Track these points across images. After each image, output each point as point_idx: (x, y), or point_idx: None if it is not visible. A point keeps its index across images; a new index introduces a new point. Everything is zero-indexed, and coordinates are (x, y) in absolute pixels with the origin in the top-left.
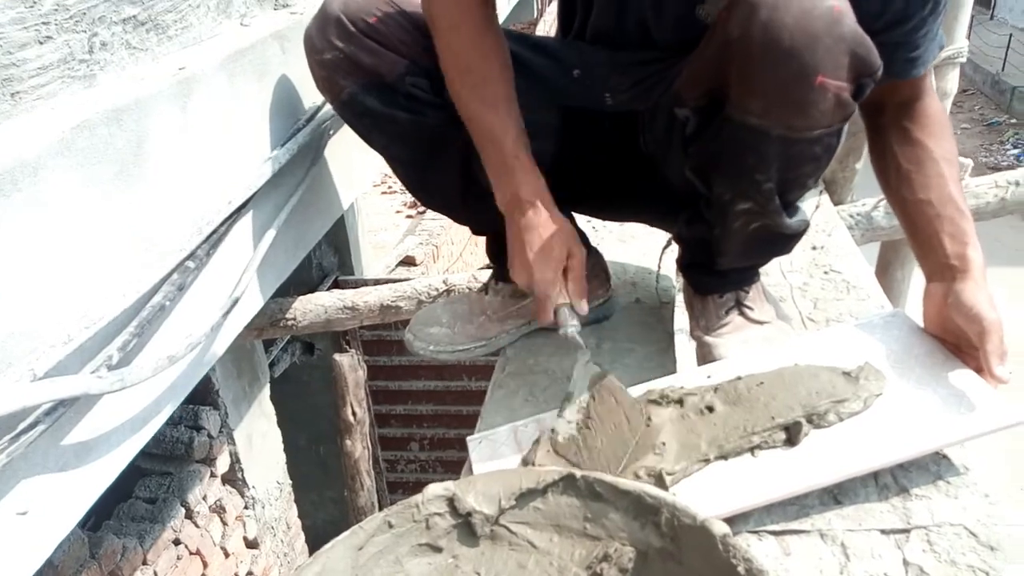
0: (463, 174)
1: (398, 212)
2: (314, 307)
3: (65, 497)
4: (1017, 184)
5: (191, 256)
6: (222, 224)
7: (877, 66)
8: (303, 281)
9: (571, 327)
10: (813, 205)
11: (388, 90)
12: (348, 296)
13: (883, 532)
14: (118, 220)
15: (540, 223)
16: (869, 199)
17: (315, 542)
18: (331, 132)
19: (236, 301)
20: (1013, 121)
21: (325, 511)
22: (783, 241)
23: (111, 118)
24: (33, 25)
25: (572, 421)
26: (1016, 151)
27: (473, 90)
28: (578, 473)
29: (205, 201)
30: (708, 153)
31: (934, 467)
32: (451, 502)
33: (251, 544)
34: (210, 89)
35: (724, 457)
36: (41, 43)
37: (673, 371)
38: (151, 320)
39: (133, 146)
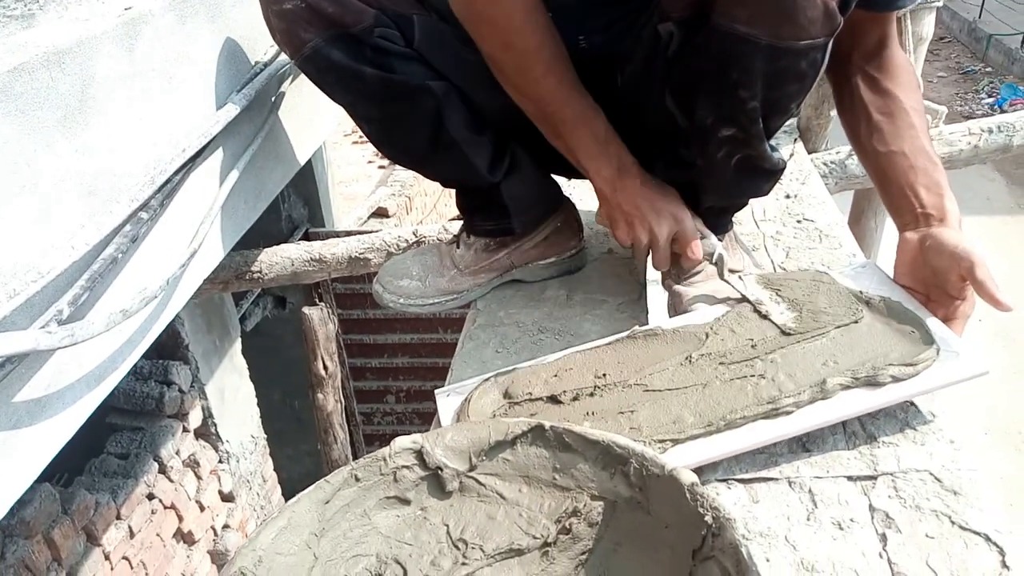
0: (433, 129)
1: (370, 162)
2: (280, 259)
3: (18, 456)
4: (990, 132)
5: (144, 207)
6: (176, 173)
7: None
8: (272, 234)
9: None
10: (788, 152)
11: (354, 42)
12: (315, 248)
13: (850, 479)
14: (64, 169)
15: (651, 190)
16: (843, 147)
17: (292, 495)
18: (291, 77)
19: (194, 253)
20: (988, 70)
21: (302, 465)
22: (764, 177)
23: (52, 61)
24: None
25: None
26: (990, 100)
27: (546, 72)
28: (547, 424)
29: (157, 149)
30: (691, 72)
31: (902, 415)
32: (419, 455)
33: (227, 498)
34: (159, 31)
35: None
36: None
37: (645, 322)
38: (103, 273)
39: (77, 91)
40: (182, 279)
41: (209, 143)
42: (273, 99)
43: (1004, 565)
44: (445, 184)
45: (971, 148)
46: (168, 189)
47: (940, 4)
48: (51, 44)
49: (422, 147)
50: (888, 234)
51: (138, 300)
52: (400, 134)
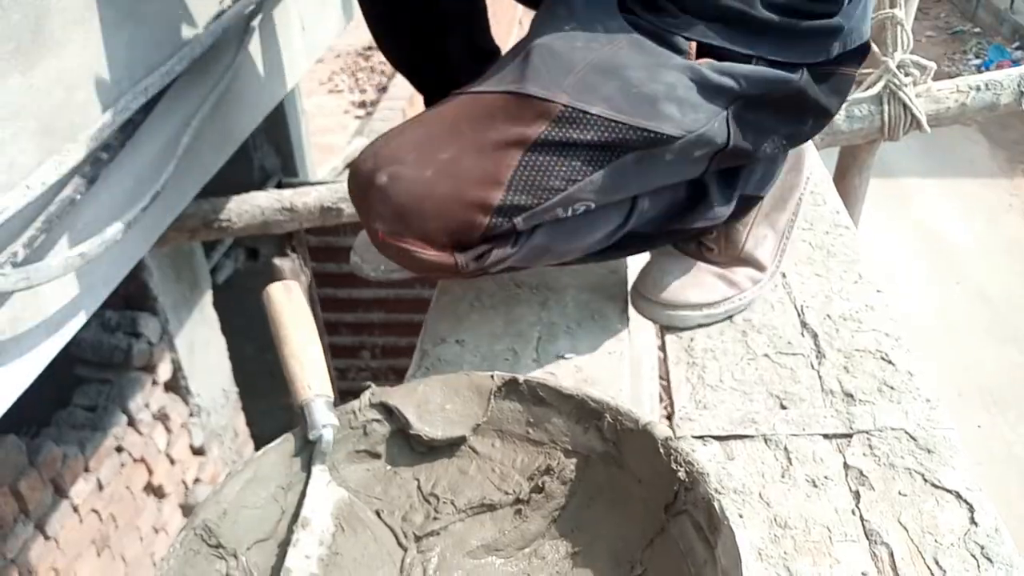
0: (433, 27)
1: (346, 112)
2: (250, 207)
3: None
4: (978, 89)
5: (104, 147)
6: (138, 113)
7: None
8: (244, 184)
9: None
10: None
11: None
12: (286, 196)
13: (826, 437)
14: (17, 105)
15: None
16: None
17: None
18: (261, 15)
19: (156, 196)
20: (977, 30)
21: (275, 419)
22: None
23: None
24: None
25: (311, 556)
26: (977, 61)
27: None
28: (521, 377)
29: (118, 87)
30: None
31: (879, 373)
32: (389, 410)
33: (197, 451)
34: None
35: None
36: None
37: (624, 276)
38: (60, 215)
39: (31, 22)
40: (145, 224)
41: (173, 82)
42: (241, 38)
43: (972, 522)
44: (428, 103)
45: (958, 105)
46: (129, 129)
47: None
48: None
49: (410, 54)
50: (872, 192)
51: (97, 243)
52: (399, 17)
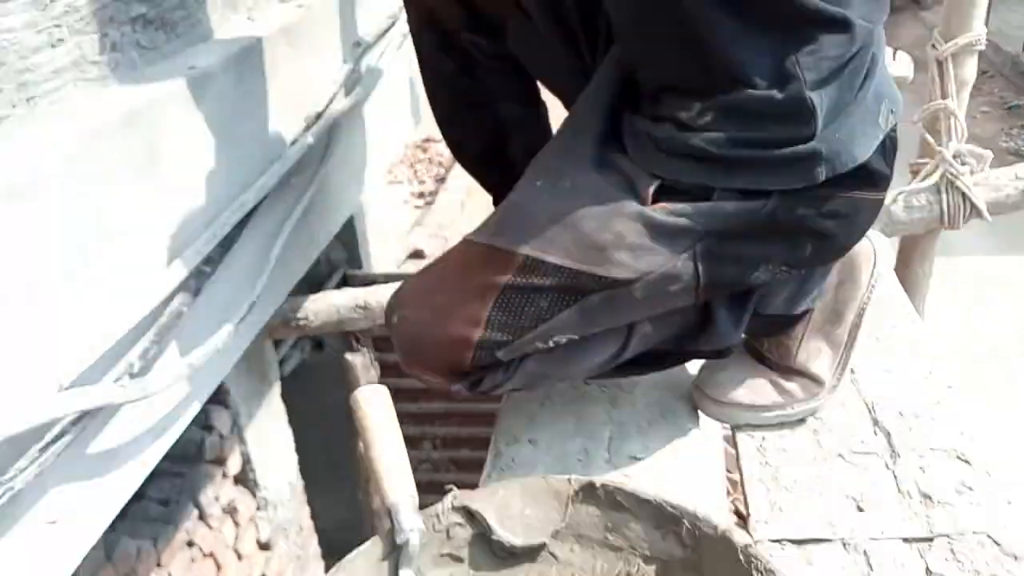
0: (492, 143)
1: (406, 203)
2: (327, 306)
3: (92, 505)
4: None
5: (206, 260)
6: (235, 227)
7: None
8: (311, 276)
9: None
10: None
11: (444, 36)
12: (361, 295)
13: (905, 540)
14: (134, 226)
15: None
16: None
17: (329, 544)
18: (342, 130)
19: (252, 305)
20: None
21: (339, 513)
22: None
23: (126, 121)
24: (45, 28)
25: None
26: None
27: None
28: (598, 482)
29: (217, 203)
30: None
31: (957, 473)
32: (471, 513)
33: (264, 546)
34: (219, 88)
35: None
36: (54, 46)
37: (688, 375)
38: (169, 327)
39: (147, 149)
40: (240, 331)
41: (265, 197)
42: (324, 151)
43: None
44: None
45: (1019, 192)
46: (227, 242)
47: (982, 47)
48: (125, 104)
49: (480, 149)
50: (936, 281)
51: (202, 354)
52: (465, 130)
